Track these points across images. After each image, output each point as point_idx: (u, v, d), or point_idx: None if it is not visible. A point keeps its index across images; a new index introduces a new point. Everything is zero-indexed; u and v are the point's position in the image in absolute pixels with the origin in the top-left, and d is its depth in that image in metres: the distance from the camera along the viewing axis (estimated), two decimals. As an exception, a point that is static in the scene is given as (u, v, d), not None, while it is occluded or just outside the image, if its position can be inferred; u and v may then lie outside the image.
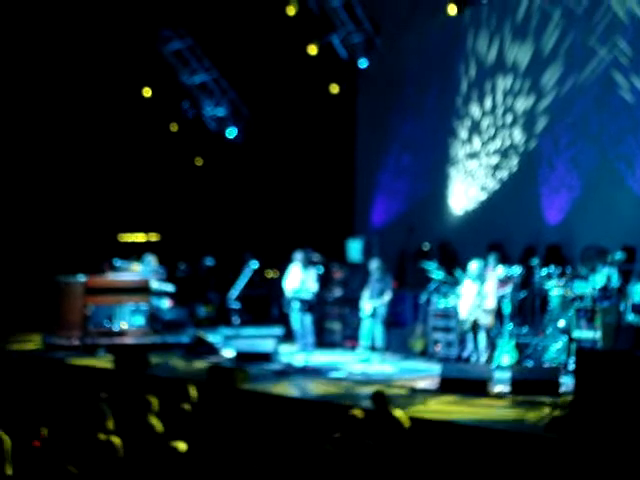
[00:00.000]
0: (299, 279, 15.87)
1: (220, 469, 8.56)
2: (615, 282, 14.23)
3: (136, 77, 20.22)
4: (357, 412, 9.36)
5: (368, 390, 12.93)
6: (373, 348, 15.47)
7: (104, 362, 15.31)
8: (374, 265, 15.78)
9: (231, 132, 21.04)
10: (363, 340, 15.63)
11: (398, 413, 9.87)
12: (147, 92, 20.38)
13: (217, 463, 8.65)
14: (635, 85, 16.36)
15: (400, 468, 8.96)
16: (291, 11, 18.71)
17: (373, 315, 15.48)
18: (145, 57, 19.90)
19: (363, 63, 19.47)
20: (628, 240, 15.58)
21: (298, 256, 16.00)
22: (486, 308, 14.49)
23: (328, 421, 11.13)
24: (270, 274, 19.28)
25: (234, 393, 13.00)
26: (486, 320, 14.45)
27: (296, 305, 15.86)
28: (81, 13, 19.00)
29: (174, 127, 20.76)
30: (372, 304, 15.49)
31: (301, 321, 15.95)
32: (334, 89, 19.90)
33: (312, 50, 19.19)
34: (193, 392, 10.20)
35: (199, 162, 21.31)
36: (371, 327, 15.52)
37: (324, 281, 17.42)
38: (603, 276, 14.36)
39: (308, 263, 16.10)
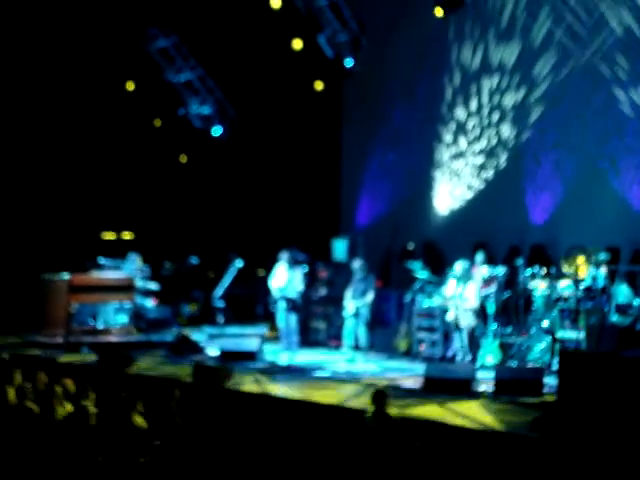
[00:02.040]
0: (285, 278, 15.87)
1: (204, 467, 8.56)
2: (600, 283, 14.29)
3: (121, 75, 20.10)
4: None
5: (352, 389, 13.00)
6: (357, 347, 15.48)
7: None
8: (357, 265, 15.79)
9: (216, 130, 20.99)
10: (346, 340, 15.64)
11: (392, 412, 9.91)
12: (130, 86, 20.18)
13: (201, 461, 8.65)
14: (619, 88, 16.39)
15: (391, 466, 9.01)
16: (276, 4, 18.54)
17: (356, 315, 15.49)
18: (130, 55, 19.80)
19: (349, 63, 19.45)
20: (612, 241, 15.63)
21: (284, 255, 16.00)
22: (466, 308, 14.52)
23: (311, 420, 11.18)
24: (260, 273, 19.19)
25: (219, 392, 12.97)
26: (467, 320, 14.47)
27: (282, 304, 15.87)
28: (67, 10, 18.90)
29: (157, 122, 20.63)
30: (355, 304, 15.50)
31: (286, 320, 15.95)
32: (319, 85, 19.84)
33: (297, 44, 19.07)
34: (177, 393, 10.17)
35: (184, 159, 21.23)
36: (354, 327, 15.52)
37: (309, 280, 17.42)
38: (588, 277, 14.41)
39: (294, 262, 16.11)
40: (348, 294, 15.67)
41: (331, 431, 10.72)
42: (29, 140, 19.39)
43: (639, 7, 16.06)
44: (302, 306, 16.28)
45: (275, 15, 18.94)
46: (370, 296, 15.53)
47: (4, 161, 19.29)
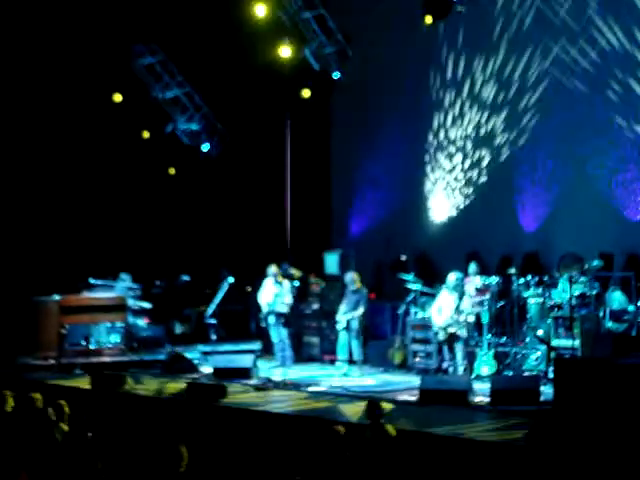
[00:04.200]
0: (272, 293, 15.88)
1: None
2: (594, 289, 14.24)
3: (108, 91, 19.96)
4: (340, 428, 9.33)
5: (349, 404, 12.90)
6: (351, 361, 15.41)
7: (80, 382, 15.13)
8: (348, 278, 15.75)
9: (205, 146, 20.95)
10: (340, 354, 15.58)
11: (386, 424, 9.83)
12: (117, 97, 19.97)
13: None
14: (615, 97, 16.36)
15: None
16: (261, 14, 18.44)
17: (347, 328, 15.43)
18: (118, 71, 19.70)
19: (336, 74, 19.41)
20: (605, 247, 15.57)
21: (271, 270, 16.05)
22: (465, 320, 14.40)
23: (309, 436, 11.07)
24: (251, 289, 19.07)
25: (212, 409, 12.88)
26: (463, 332, 14.36)
27: (272, 319, 15.85)
28: (53, 26, 18.81)
29: (145, 134, 20.48)
30: (346, 317, 15.44)
31: (277, 335, 15.94)
32: (306, 94, 19.72)
33: (283, 56, 18.88)
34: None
35: (172, 171, 21.09)
36: (346, 340, 15.47)
37: (302, 295, 17.37)
38: (582, 284, 14.32)
39: (282, 277, 16.11)
40: (341, 308, 15.63)
41: (327, 445, 10.62)
42: (16, 158, 19.25)
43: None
44: (291, 320, 16.22)
45: (260, 29, 18.89)
46: (361, 309, 15.48)
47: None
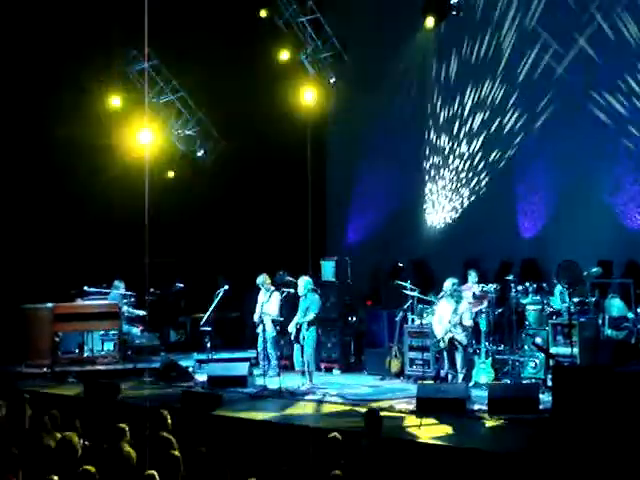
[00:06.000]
0: (261, 302, 15.67)
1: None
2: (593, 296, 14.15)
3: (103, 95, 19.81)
4: (336, 435, 9.25)
5: (344, 412, 12.77)
6: (304, 372, 15.05)
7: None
8: (300, 283, 15.41)
9: (200, 152, 20.81)
10: (295, 364, 15.33)
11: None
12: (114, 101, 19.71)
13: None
14: (608, 104, 16.27)
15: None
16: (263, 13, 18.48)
17: (297, 338, 15.11)
18: (111, 76, 19.56)
19: (332, 78, 19.28)
20: (604, 254, 15.46)
21: (259, 279, 15.79)
22: (464, 324, 14.24)
23: (305, 444, 10.93)
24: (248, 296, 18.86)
25: (208, 419, 12.74)
26: (462, 337, 14.20)
27: (260, 328, 15.64)
28: (45, 26, 18.66)
29: (141, 139, 20.22)
30: (294, 326, 15.13)
31: (263, 343, 15.68)
32: (303, 94, 19.51)
33: (281, 58, 18.78)
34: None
35: (170, 175, 20.85)
36: (298, 350, 15.14)
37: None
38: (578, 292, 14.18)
39: (274, 285, 15.91)
40: (295, 317, 15.35)
41: (323, 454, 10.49)
42: (7, 163, 19.05)
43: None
44: (279, 329, 15.88)
45: (257, 34, 18.80)
46: (311, 315, 15.04)
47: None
